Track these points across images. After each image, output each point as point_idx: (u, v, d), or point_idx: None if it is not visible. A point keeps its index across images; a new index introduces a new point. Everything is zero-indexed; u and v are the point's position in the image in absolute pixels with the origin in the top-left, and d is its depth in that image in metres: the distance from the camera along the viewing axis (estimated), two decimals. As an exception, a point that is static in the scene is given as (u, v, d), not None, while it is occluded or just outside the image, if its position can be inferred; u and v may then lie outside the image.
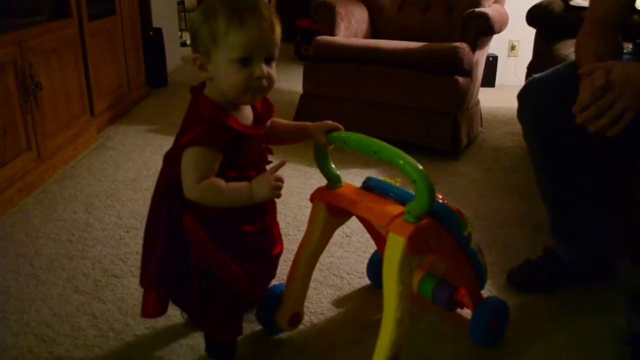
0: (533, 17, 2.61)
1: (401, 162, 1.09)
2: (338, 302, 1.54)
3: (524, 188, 2.27)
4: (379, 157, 1.13)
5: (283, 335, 1.42)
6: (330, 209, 1.29)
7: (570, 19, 2.40)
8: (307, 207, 1.50)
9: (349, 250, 1.80)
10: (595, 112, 1.21)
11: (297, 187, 2.29)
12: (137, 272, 1.64)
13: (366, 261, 1.64)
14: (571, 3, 2.47)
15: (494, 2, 2.97)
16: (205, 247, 1.12)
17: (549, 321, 1.47)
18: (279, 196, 1.10)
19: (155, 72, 3.96)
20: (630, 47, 1.60)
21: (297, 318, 1.39)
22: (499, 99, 3.74)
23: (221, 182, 1.07)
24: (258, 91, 1.08)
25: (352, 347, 1.38)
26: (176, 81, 4.23)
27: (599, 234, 1.58)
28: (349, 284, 1.63)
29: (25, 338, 1.38)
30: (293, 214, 2.06)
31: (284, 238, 1.29)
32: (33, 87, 2.20)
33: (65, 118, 2.55)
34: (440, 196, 1.25)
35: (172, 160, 1.13)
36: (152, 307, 1.24)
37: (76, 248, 1.80)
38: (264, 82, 1.06)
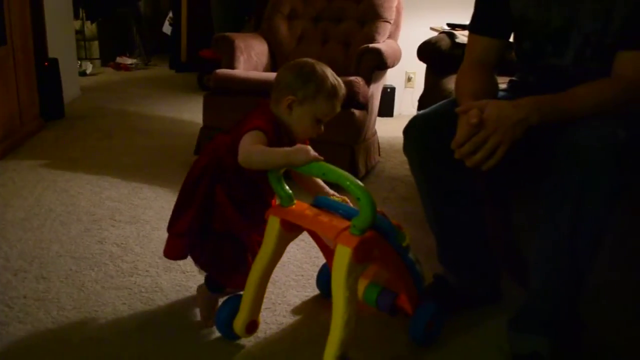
0: (423, 52, 2.73)
1: (347, 182, 1.26)
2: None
3: (418, 215, 2.31)
4: (327, 179, 1.31)
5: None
6: (284, 224, 1.42)
7: (457, 55, 2.52)
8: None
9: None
10: (471, 148, 1.31)
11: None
12: (25, 319, 1.59)
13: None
14: (457, 40, 2.62)
15: (388, 37, 3.11)
16: (229, 213, 1.48)
17: (439, 346, 1.54)
18: (318, 159, 1.32)
19: (51, 104, 3.81)
20: (506, 84, 1.73)
21: (253, 325, 1.52)
22: (397, 129, 3.81)
23: (264, 146, 1.39)
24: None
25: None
26: (74, 112, 4.09)
27: (481, 259, 1.68)
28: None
29: None
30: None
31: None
32: None
33: (-51, 154, 2.42)
34: (381, 211, 1.38)
35: (228, 148, 1.48)
36: (177, 252, 1.56)
37: (-42, 294, 1.70)
38: (317, 134, 1.50)
